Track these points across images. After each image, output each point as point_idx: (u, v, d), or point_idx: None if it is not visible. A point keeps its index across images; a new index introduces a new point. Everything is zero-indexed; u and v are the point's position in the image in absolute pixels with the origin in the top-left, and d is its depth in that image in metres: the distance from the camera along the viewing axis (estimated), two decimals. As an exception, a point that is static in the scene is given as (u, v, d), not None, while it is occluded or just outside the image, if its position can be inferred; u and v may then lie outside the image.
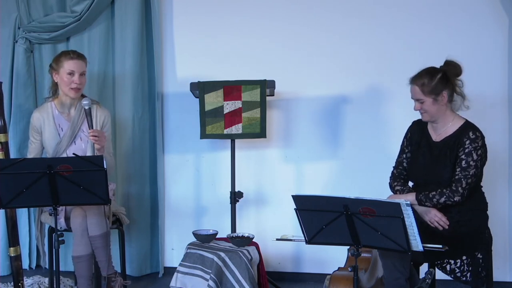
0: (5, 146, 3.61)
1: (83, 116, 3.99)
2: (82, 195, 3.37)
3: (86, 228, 3.77)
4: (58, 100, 4.06)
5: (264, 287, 3.97)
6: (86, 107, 3.83)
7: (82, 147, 4.02)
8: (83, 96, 4.04)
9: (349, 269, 3.02)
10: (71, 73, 3.94)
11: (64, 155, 3.97)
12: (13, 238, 3.64)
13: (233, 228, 4.29)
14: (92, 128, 3.84)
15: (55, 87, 4.07)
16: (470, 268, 3.46)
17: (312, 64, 4.53)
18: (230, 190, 4.33)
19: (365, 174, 4.46)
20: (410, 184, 3.71)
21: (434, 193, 3.45)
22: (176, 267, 3.92)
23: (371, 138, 4.47)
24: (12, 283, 3.75)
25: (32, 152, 4.05)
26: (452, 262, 3.48)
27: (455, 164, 3.46)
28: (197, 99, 4.28)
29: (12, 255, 3.65)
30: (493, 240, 3.57)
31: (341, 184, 4.50)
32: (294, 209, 3.00)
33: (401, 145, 3.72)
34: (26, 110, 4.61)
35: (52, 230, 3.96)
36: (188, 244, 3.99)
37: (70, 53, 4.01)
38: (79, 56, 4.01)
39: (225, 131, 4.24)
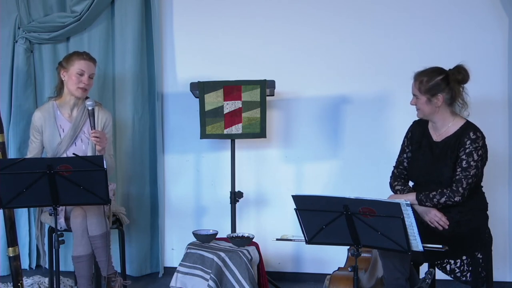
0: (1, 146, 3.60)
1: (85, 117, 4.00)
2: (82, 195, 3.37)
3: (86, 228, 3.77)
4: (61, 100, 4.07)
5: (264, 287, 3.97)
6: (90, 108, 3.83)
7: (83, 148, 4.02)
8: (86, 97, 4.05)
9: (349, 269, 3.02)
10: (81, 73, 3.96)
11: (64, 156, 3.97)
12: (11, 238, 3.63)
13: (233, 228, 4.29)
14: (95, 128, 3.85)
15: (60, 86, 4.08)
16: (470, 268, 3.45)
17: (312, 64, 4.53)
18: (230, 190, 4.32)
19: (365, 174, 4.46)
20: (411, 183, 3.71)
21: (434, 193, 3.45)
22: (176, 267, 3.92)
23: (371, 138, 4.47)
24: (11, 283, 3.75)
25: (32, 152, 4.05)
26: (452, 262, 3.48)
27: (455, 164, 3.46)
28: (197, 99, 4.28)
29: (11, 255, 3.64)
30: (493, 240, 3.57)
31: (341, 184, 4.50)
32: (294, 209, 3.00)
33: (402, 145, 3.72)
34: (26, 110, 4.62)
35: (52, 230, 3.96)
36: (188, 244, 3.99)
37: (83, 54, 4.04)
38: (90, 58, 4.04)
39: (225, 131, 4.24)
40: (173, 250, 4.76)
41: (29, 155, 4.05)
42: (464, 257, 3.47)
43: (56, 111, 4.04)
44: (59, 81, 4.07)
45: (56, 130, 4.01)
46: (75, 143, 4.03)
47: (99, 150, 3.85)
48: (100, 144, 3.85)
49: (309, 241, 3.08)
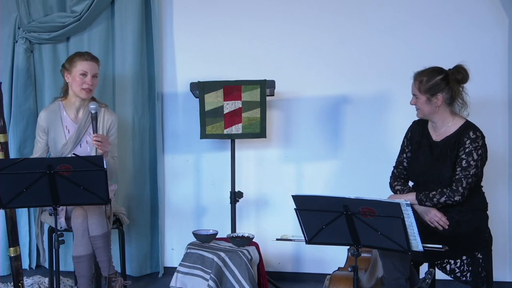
0: (4, 146, 3.61)
1: (90, 119, 3.99)
2: (82, 195, 3.37)
3: (87, 228, 3.77)
4: (67, 101, 4.06)
5: (264, 287, 3.97)
6: (93, 112, 3.82)
7: (87, 150, 4.01)
8: (93, 99, 4.06)
9: (349, 269, 3.02)
10: (84, 74, 3.95)
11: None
12: (12, 238, 3.63)
13: (233, 228, 4.29)
14: (96, 132, 3.84)
15: (66, 87, 4.07)
16: (470, 268, 3.46)
17: (312, 64, 4.53)
18: (230, 190, 4.33)
19: (365, 174, 4.46)
20: (411, 183, 3.71)
21: (434, 192, 3.45)
22: (176, 267, 3.93)
23: (371, 138, 4.47)
24: (12, 283, 3.75)
25: (37, 152, 4.05)
26: (452, 262, 3.48)
27: (455, 164, 3.46)
28: (197, 99, 4.28)
29: (12, 255, 3.64)
30: (493, 240, 3.57)
31: (341, 184, 4.50)
32: (294, 209, 3.00)
33: (402, 145, 3.72)
34: (26, 110, 4.62)
35: (52, 230, 3.96)
36: (188, 244, 3.99)
37: (85, 54, 4.03)
38: (93, 58, 4.03)
39: (225, 131, 4.24)
40: (173, 250, 4.76)
41: (35, 155, 4.05)
42: (464, 257, 3.47)
43: (62, 112, 4.05)
44: (65, 82, 4.07)
45: (61, 131, 4.01)
46: (80, 144, 4.03)
47: (101, 154, 3.85)
48: (102, 148, 3.84)
49: (309, 241, 3.08)
